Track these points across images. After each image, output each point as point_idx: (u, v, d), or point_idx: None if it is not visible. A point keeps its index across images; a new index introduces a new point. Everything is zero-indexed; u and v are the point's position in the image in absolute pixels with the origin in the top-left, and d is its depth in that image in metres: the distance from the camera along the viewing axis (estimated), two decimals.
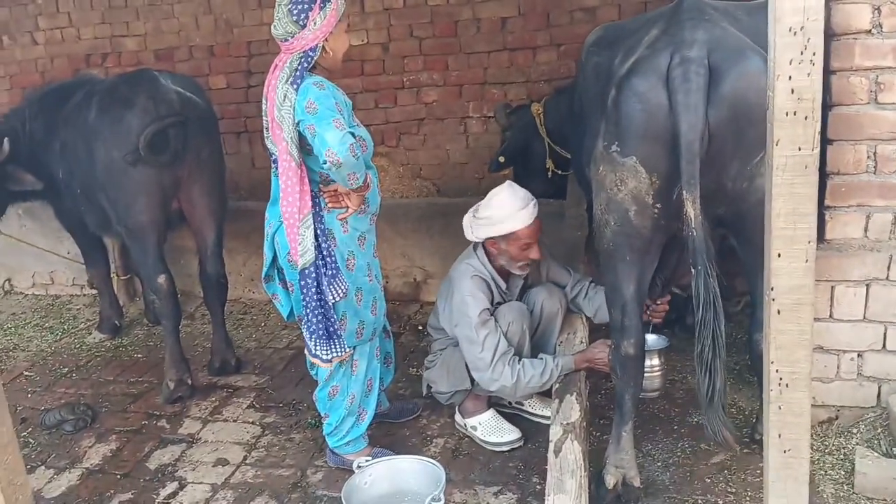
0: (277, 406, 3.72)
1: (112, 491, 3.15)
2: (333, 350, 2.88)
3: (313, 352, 2.90)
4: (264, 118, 2.84)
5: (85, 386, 4.09)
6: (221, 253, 3.93)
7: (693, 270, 2.30)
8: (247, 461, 3.29)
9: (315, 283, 2.79)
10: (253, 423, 3.59)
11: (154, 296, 3.80)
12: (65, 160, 3.86)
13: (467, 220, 3.18)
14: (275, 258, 2.99)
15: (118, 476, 3.25)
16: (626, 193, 2.47)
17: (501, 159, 4.77)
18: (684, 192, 2.27)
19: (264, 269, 3.03)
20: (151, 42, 6.04)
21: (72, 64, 6.18)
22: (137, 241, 3.69)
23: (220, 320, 4.05)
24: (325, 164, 2.62)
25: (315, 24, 2.67)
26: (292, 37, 2.68)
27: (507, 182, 3.19)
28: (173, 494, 3.09)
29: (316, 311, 2.82)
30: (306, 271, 2.77)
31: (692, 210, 2.26)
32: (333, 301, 2.82)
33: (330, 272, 2.82)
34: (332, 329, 2.85)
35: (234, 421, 3.62)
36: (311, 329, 2.85)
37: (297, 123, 2.66)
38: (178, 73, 3.88)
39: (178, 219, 3.80)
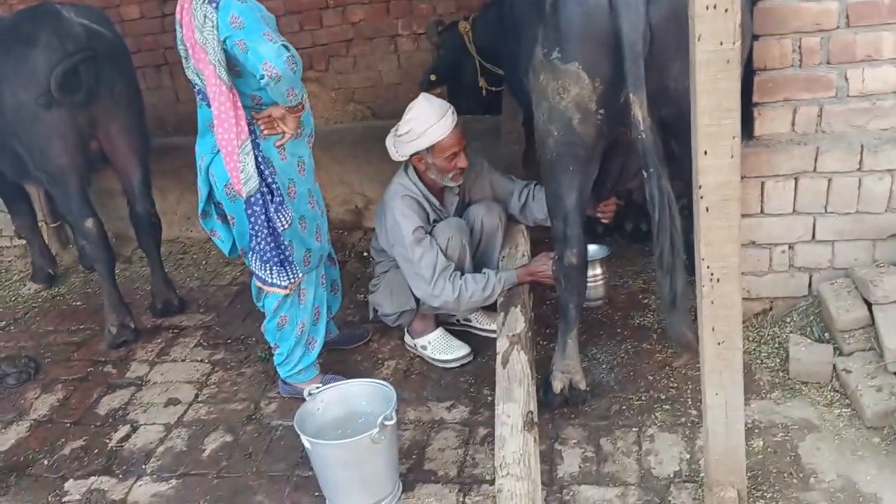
0: (226, 343, 3.69)
1: (63, 440, 3.11)
2: (290, 275, 2.88)
3: (270, 281, 2.88)
4: (181, 47, 2.71)
5: (24, 338, 3.99)
6: (150, 192, 3.79)
7: (645, 174, 2.27)
8: (199, 399, 3.28)
9: (263, 211, 2.74)
10: (202, 361, 3.56)
11: (84, 241, 3.69)
12: None
13: (389, 140, 3.13)
14: (210, 193, 2.91)
15: (68, 424, 3.21)
16: (569, 101, 2.43)
17: (433, 77, 4.68)
18: (630, 94, 2.23)
19: (200, 205, 2.95)
20: None
21: None
22: (59, 186, 3.53)
23: (157, 261, 3.96)
24: (262, 79, 2.52)
25: None
26: None
27: (422, 94, 3.11)
28: (126, 437, 3.08)
29: (268, 239, 2.78)
30: (252, 199, 2.71)
31: (640, 112, 2.22)
32: (282, 229, 2.79)
33: (277, 199, 2.77)
34: (284, 255, 2.84)
35: (183, 360, 3.59)
36: (266, 258, 2.82)
37: (223, 41, 2.55)
38: (80, 5, 3.65)
39: (99, 160, 3.63)
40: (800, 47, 2.74)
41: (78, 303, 4.32)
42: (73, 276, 4.65)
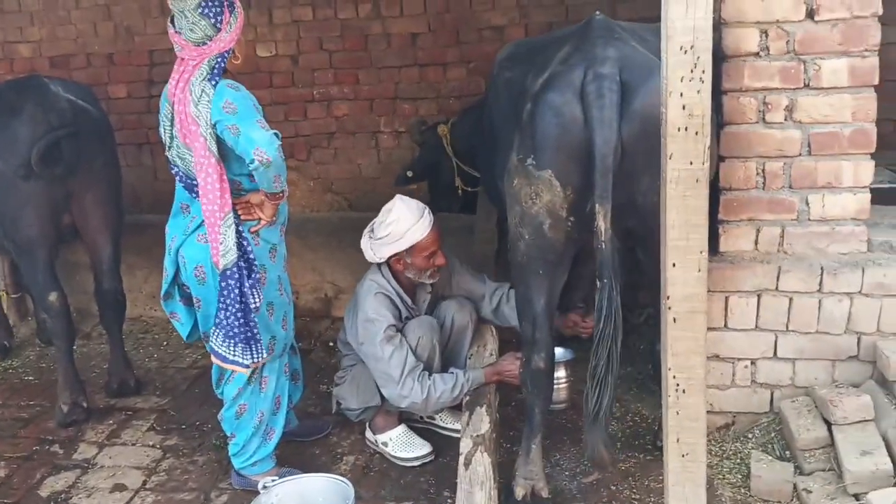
0: (180, 428, 3.58)
1: None
2: (254, 354, 2.81)
3: (230, 358, 2.80)
4: (167, 125, 2.75)
5: None
6: (118, 269, 3.76)
7: (598, 283, 2.34)
8: (146, 486, 3.14)
9: (238, 286, 2.72)
10: (153, 446, 3.44)
11: (45, 314, 3.60)
12: None
13: (366, 243, 3.15)
14: (176, 274, 2.89)
15: None
16: (540, 206, 2.51)
17: (409, 174, 4.79)
18: (597, 205, 2.30)
19: (164, 286, 2.93)
20: (46, 49, 5.77)
21: None
22: (26, 257, 3.48)
23: (118, 339, 3.87)
24: (251, 163, 2.57)
25: (230, 26, 2.68)
26: (210, 40, 2.66)
27: (398, 197, 3.16)
28: None
29: (237, 315, 2.74)
30: (228, 272, 2.70)
31: (603, 223, 2.30)
32: (254, 306, 2.76)
33: (255, 275, 2.77)
34: (252, 332, 2.78)
35: (133, 444, 3.46)
36: (232, 333, 2.76)
37: (214, 125, 2.60)
38: (69, 80, 3.71)
39: (70, 233, 3.61)
40: (763, 171, 2.87)
41: (30, 377, 4.19)
42: (29, 349, 4.52)
